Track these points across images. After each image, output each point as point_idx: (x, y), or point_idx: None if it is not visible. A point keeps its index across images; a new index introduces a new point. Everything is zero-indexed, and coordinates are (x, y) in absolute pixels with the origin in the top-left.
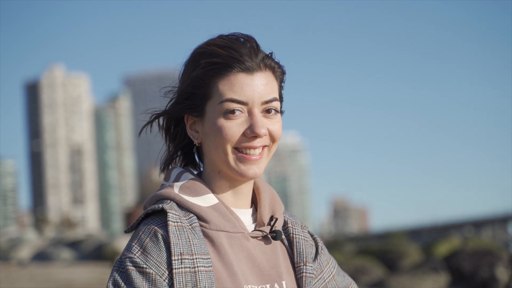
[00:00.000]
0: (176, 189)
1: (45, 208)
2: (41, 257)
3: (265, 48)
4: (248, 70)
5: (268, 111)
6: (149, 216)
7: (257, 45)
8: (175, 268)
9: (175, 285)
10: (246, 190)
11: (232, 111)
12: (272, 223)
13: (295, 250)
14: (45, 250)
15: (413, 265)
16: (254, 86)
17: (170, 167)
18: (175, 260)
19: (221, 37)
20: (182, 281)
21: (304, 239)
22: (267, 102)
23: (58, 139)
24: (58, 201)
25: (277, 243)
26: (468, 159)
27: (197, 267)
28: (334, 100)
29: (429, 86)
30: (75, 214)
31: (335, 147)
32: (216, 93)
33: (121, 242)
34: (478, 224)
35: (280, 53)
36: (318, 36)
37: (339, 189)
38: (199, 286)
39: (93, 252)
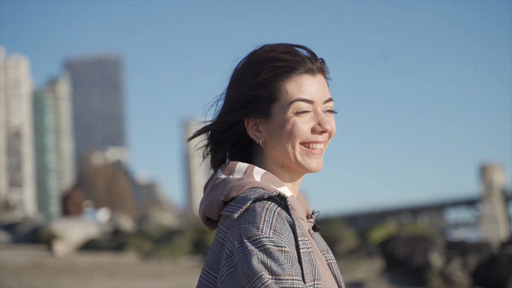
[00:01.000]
0: (258, 179)
1: None
2: None
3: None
4: (312, 71)
5: (326, 110)
6: (257, 201)
7: (313, 52)
8: (302, 248)
9: (303, 264)
10: (299, 184)
11: (302, 110)
12: (314, 215)
13: (314, 240)
14: None
15: (348, 250)
16: (317, 86)
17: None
18: (301, 240)
19: (274, 45)
20: (307, 260)
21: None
22: (326, 101)
23: None
24: None
25: None
26: (408, 146)
27: (310, 247)
28: None
29: (364, 76)
30: (12, 197)
31: None
32: (284, 95)
33: (57, 225)
34: (415, 211)
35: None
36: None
37: None
38: (314, 265)
39: (29, 235)
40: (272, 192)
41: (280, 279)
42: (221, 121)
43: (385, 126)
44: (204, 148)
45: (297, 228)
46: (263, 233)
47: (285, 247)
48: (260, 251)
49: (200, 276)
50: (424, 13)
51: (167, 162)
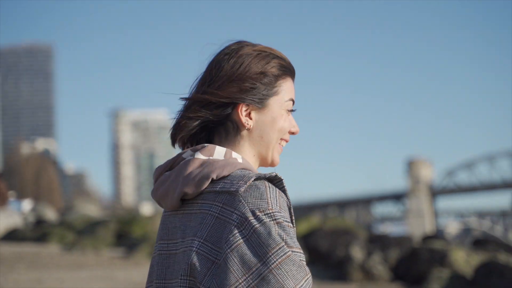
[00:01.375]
0: (241, 162)
1: None
2: None
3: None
4: (294, 77)
5: None
6: (257, 180)
7: None
8: (294, 226)
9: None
10: None
11: (291, 110)
12: None
13: None
14: None
15: None
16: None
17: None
18: (293, 219)
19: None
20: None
21: None
22: None
23: None
24: None
25: None
26: (337, 141)
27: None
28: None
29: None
30: None
31: None
32: (282, 92)
33: None
34: (343, 205)
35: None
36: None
37: None
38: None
39: None
40: (272, 173)
41: (293, 251)
42: (222, 97)
43: (315, 119)
44: (181, 116)
45: (291, 207)
46: (274, 208)
47: (289, 222)
48: (274, 224)
49: (194, 247)
50: None
51: (96, 153)
